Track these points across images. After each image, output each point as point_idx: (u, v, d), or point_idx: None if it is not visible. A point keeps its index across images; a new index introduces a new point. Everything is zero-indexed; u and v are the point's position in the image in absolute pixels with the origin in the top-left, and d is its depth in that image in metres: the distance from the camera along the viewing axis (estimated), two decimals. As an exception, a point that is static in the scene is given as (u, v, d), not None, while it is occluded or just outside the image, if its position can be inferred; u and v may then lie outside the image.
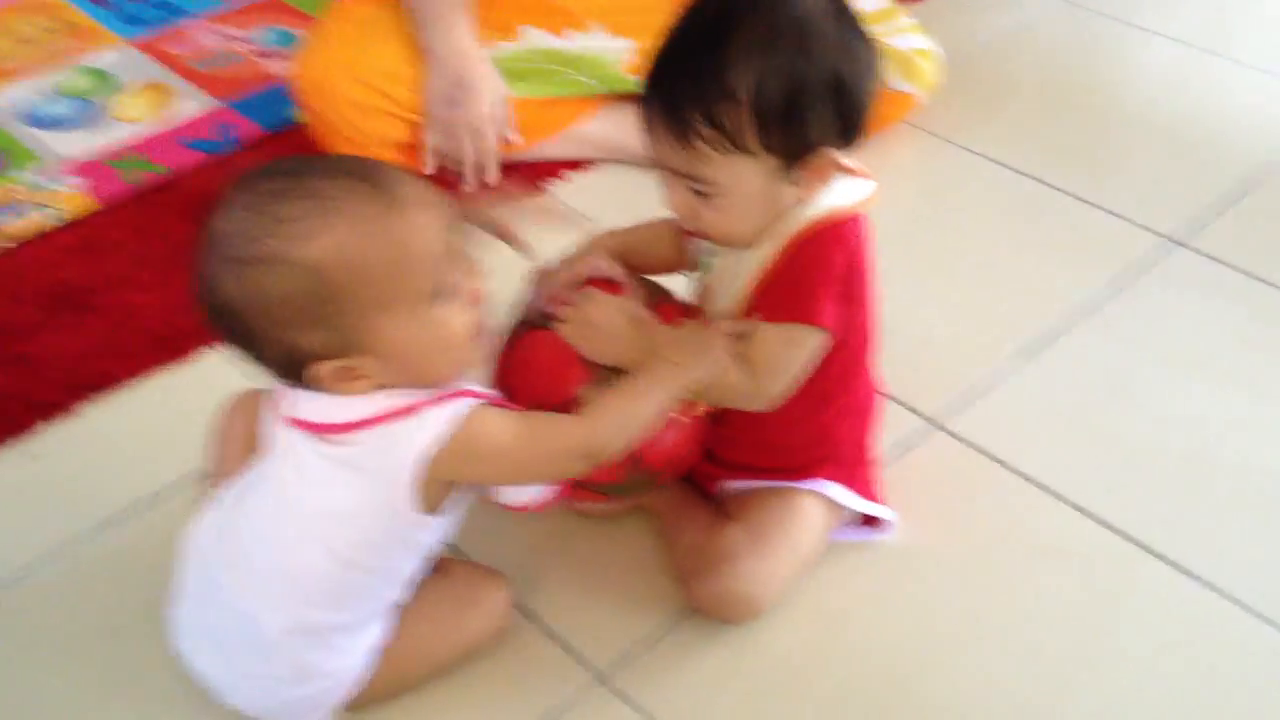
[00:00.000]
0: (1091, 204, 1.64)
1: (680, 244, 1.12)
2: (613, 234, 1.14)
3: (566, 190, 1.67)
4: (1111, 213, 1.62)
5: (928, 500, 1.24)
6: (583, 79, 1.64)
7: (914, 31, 1.71)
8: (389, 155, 1.60)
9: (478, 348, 0.95)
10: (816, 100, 0.94)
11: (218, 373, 1.37)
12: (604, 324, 1.02)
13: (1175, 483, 1.27)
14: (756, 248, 1.01)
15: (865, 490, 1.16)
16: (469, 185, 1.60)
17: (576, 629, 1.11)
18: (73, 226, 1.60)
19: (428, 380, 0.92)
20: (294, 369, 0.89)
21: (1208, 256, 1.55)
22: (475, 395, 0.93)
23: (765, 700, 1.06)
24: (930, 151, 1.75)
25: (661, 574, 1.15)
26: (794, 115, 0.93)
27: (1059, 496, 1.24)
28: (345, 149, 1.59)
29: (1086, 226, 1.61)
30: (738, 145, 0.93)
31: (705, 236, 1.02)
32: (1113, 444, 1.31)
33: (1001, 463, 1.28)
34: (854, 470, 1.15)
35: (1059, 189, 1.66)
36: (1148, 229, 1.59)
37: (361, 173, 0.89)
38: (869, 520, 1.18)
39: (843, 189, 1.01)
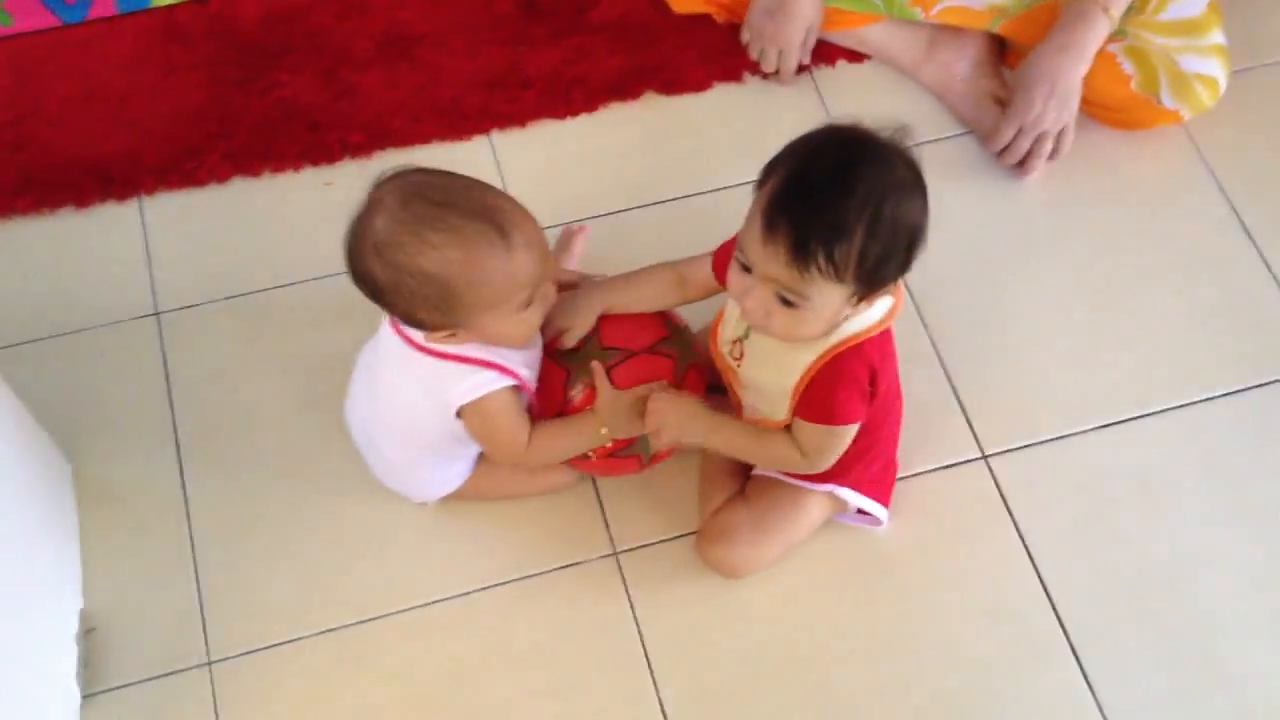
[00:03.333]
0: (1282, 290, 1.68)
1: (674, 295, 1.38)
2: (606, 288, 1.38)
3: (833, 77, 1.84)
4: (1293, 310, 1.67)
5: (930, 514, 1.50)
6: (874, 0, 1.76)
7: (1212, 54, 1.68)
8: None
9: (538, 330, 1.31)
10: (901, 250, 1.16)
11: (483, 162, 1.72)
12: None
13: (1139, 609, 1.45)
14: (796, 351, 1.24)
15: (869, 490, 1.43)
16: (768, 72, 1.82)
17: (619, 513, 1.48)
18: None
19: (500, 345, 1.28)
20: (409, 324, 1.26)
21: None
22: (513, 376, 1.28)
23: (712, 628, 1.43)
24: (1176, 160, 1.77)
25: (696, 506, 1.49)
26: (886, 260, 1.15)
27: (1035, 565, 1.47)
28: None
29: (1260, 309, 1.66)
30: (839, 277, 1.15)
31: (764, 331, 1.23)
32: (1112, 547, 1.49)
33: (1010, 512, 1.51)
34: (863, 475, 1.42)
35: (1265, 260, 1.70)
36: (1311, 343, 1.64)
37: (493, 218, 1.19)
38: (865, 510, 1.45)
39: (877, 304, 1.24)
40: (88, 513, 1.47)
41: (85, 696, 1.35)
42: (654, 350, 1.36)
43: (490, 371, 1.28)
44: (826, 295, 1.17)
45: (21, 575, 1.30)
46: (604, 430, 1.33)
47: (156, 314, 1.60)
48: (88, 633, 1.38)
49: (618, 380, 1.33)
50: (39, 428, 1.43)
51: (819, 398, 1.26)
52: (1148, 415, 1.58)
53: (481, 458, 1.44)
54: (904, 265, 1.18)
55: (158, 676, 1.38)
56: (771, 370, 1.29)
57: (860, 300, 1.19)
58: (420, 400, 1.32)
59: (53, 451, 1.46)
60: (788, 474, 1.42)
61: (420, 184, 1.20)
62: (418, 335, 1.28)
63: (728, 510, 1.43)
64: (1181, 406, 1.59)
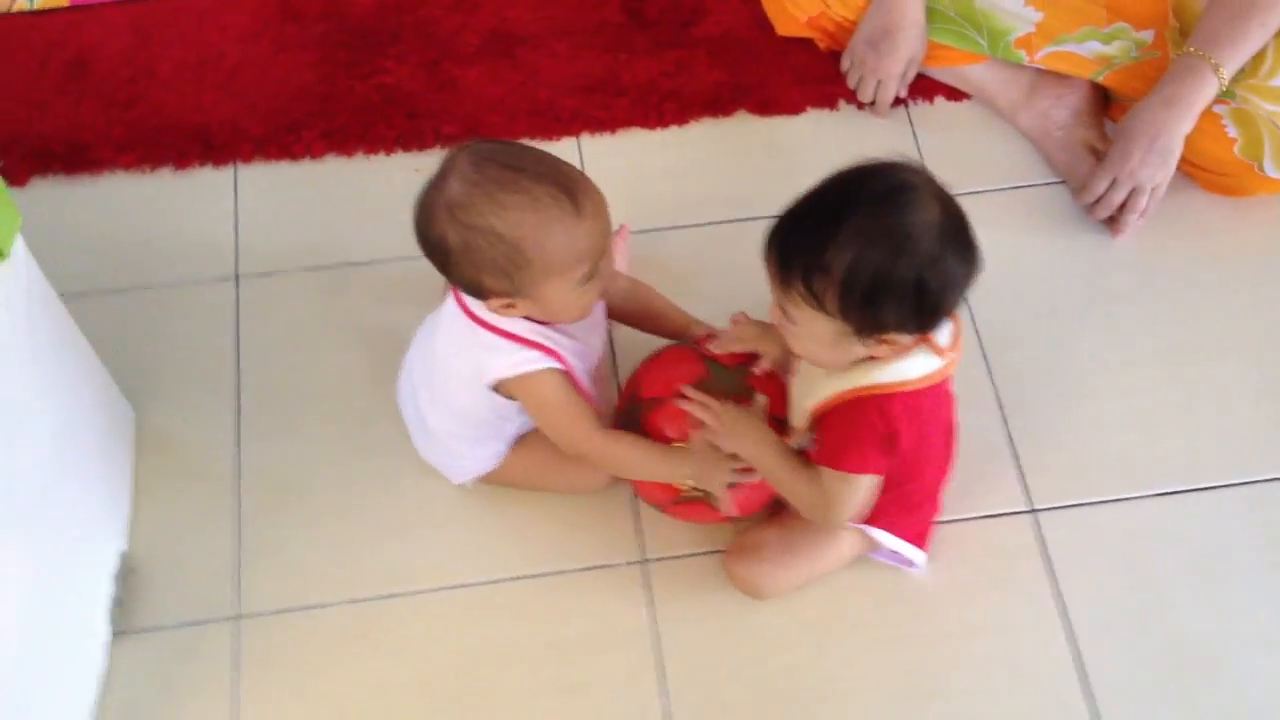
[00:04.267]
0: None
1: None
2: None
3: (930, 113, 1.83)
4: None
5: (967, 562, 1.47)
6: (976, 37, 1.73)
7: (1324, 128, 1.64)
8: (799, 20, 1.81)
9: (596, 308, 1.33)
10: (896, 297, 1.14)
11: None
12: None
13: (1173, 686, 1.40)
14: (827, 377, 1.24)
15: (904, 533, 1.41)
16: (864, 102, 1.81)
17: (653, 521, 1.48)
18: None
19: (556, 321, 1.31)
20: (471, 292, 1.28)
21: None
22: (559, 360, 1.30)
23: (730, 648, 1.42)
24: (1273, 231, 1.72)
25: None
26: (871, 302, 1.14)
27: (1070, 627, 1.44)
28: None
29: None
30: (821, 307, 1.15)
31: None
32: (1154, 619, 1.44)
33: (1051, 571, 1.47)
34: (898, 519, 1.40)
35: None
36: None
37: (564, 183, 1.22)
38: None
39: (917, 361, 1.21)
40: (144, 460, 1.52)
41: (115, 634, 1.41)
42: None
43: (534, 351, 1.30)
44: (813, 322, 1.18)
45: (73, 510, 1.36)
46: (689, 470, 1.33)
47: (236, 277, 1.66)
48: (127, 574, 1.44)
49: (662, 423, 1.34)
50: (108, 375, 1.49)
51: (831, 439, 1.26)
52: (1209, 488, 1.53)
53: (519, 443, 1.46)
54: (911, 318, 1.16)
55: (186, 624, 1.42)
56: (803, 389, 1.29)
57: (871, 339, 1.18)
58: (463, 369, 1.35)
59: (119, 399, 1.52)
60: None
61: (493, 150, 1.24)
62: (476, 306, 1.31)
63: (758, 529, 1.43)
64: (1246, 484, 1.53)
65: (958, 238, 1.15)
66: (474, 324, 1.32)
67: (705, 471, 1.33)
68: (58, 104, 1.77)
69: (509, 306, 1.28)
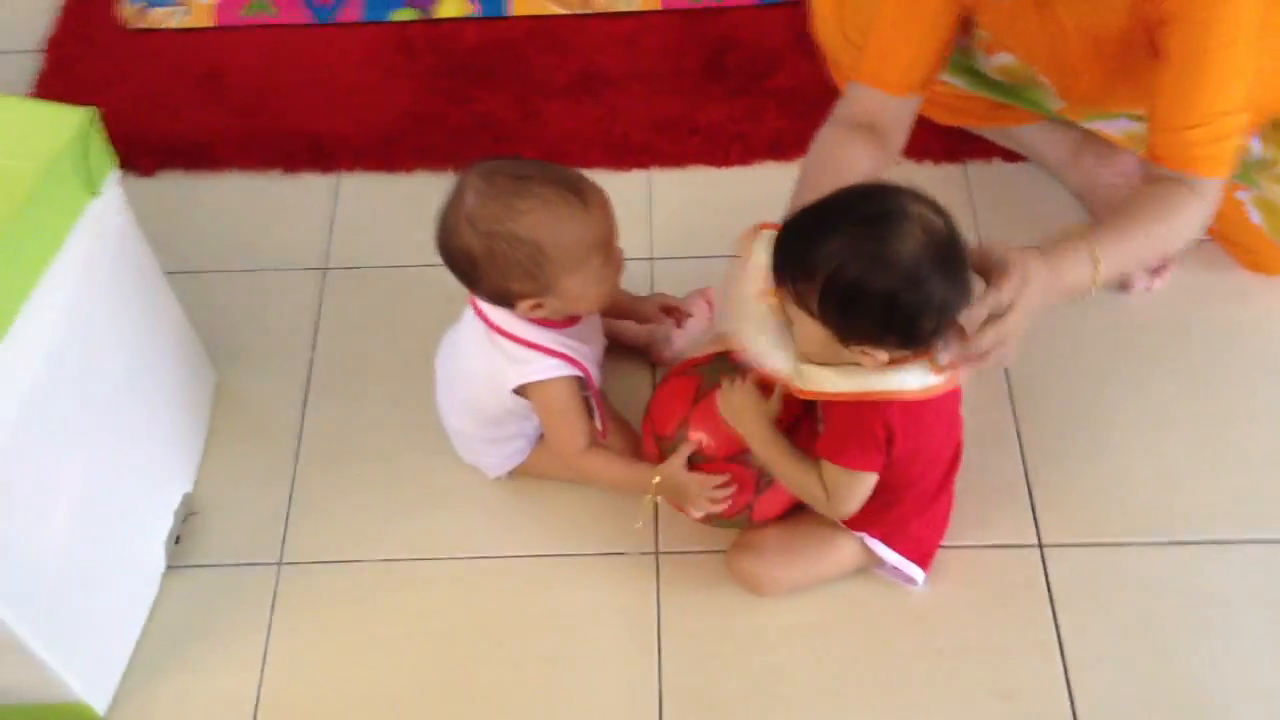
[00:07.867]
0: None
1: None
2: None
3: (986, 171, 1.91)
4: None
5: (970, 587, 1.52)
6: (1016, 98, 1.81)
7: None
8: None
9: (613, 293, 1.44)
10: (867, 310, 1.22)
11: (636, 192, 1.89)
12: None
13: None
14: (835, 374, 1.29)
15: (905, 549, 1.48)
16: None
17: (672, 516, 1.55)
18: (643, 16, 2.09)
19: (581, 311, 1.43)
20: (499, 300, 1.40)
21: None
22: (579, 368, 1.42)
23: (727, 642, 1.49)
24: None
25: (739, 521, 1.57)
26: (846, 312, 1.23)
27: (1064, 661, 1.46)
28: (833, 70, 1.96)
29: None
30: (809, 310, 1.25)
31: None
32: (1151, 661, 1.46)
33: (1052, 604, 1.51)
34: (896, 532, 1.47)
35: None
36: None
37: (569, 183, 1.35)
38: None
39: (914, 375, 1.28)
40: (219, 418, 1.68)
41: (170, 567, 1.55)
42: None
43: (556, 360, 1.42)
44: (804, 324, 1.28)
45: (146, 447, 1.52)
46: (656, 480, 1.43)
47: (324, 269, 1.82)
48: (189, 516, 1.58)
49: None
50: (198, 342, 1.66)
51: (833, 433, 1.34)
52: (1220, 542, 1.55)
53: (540, 443, 1.58)
54: (884, 333, 1.23)
55: (234, 564, 1.56)
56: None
57: (854, 346, 1.25)
58: (487, 375, 1.46)
59: (204, 363, 1.68)
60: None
61: (500, 165, 1.37)
62: (497, 317, 1.42)
63: (764, 528, 1.50)
64: (1258, 542, 1.55)
65: (941, 265, 1.21)
66: (496, 334, 1.43)
67: (672, 490, 1.44)
68: (188, 108, 1.98)
69: (537, 306, 1.38)
